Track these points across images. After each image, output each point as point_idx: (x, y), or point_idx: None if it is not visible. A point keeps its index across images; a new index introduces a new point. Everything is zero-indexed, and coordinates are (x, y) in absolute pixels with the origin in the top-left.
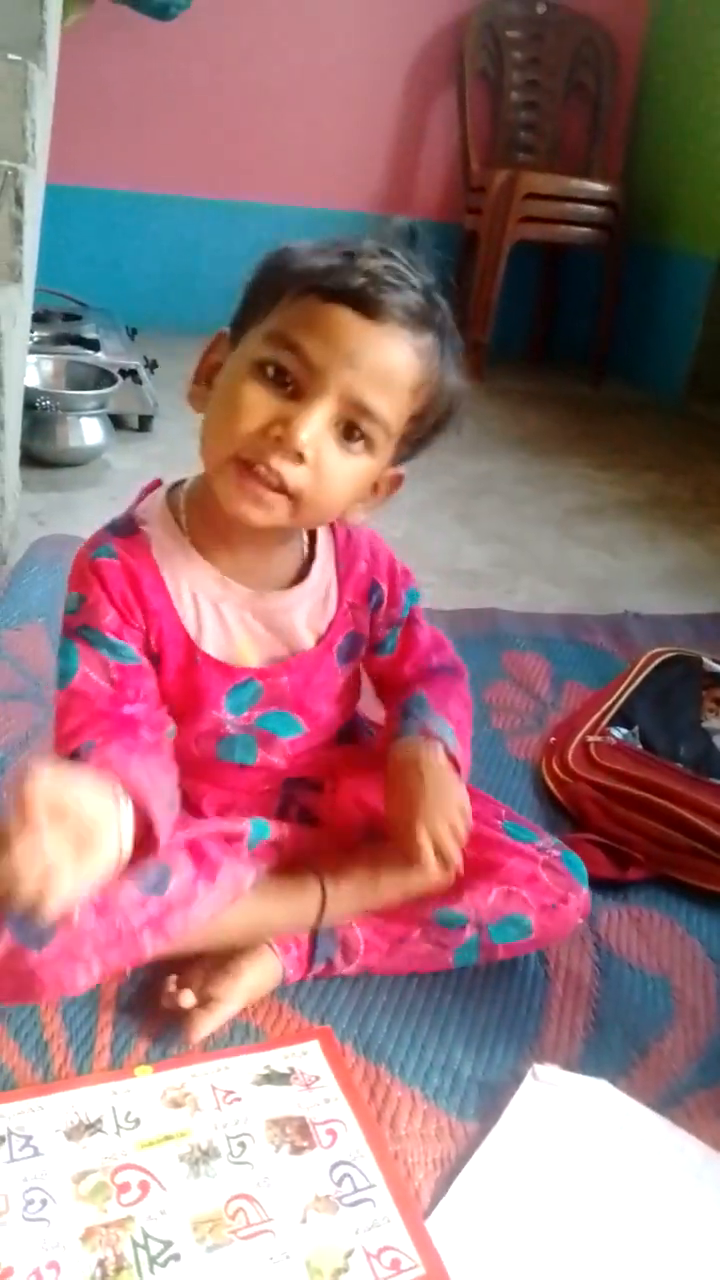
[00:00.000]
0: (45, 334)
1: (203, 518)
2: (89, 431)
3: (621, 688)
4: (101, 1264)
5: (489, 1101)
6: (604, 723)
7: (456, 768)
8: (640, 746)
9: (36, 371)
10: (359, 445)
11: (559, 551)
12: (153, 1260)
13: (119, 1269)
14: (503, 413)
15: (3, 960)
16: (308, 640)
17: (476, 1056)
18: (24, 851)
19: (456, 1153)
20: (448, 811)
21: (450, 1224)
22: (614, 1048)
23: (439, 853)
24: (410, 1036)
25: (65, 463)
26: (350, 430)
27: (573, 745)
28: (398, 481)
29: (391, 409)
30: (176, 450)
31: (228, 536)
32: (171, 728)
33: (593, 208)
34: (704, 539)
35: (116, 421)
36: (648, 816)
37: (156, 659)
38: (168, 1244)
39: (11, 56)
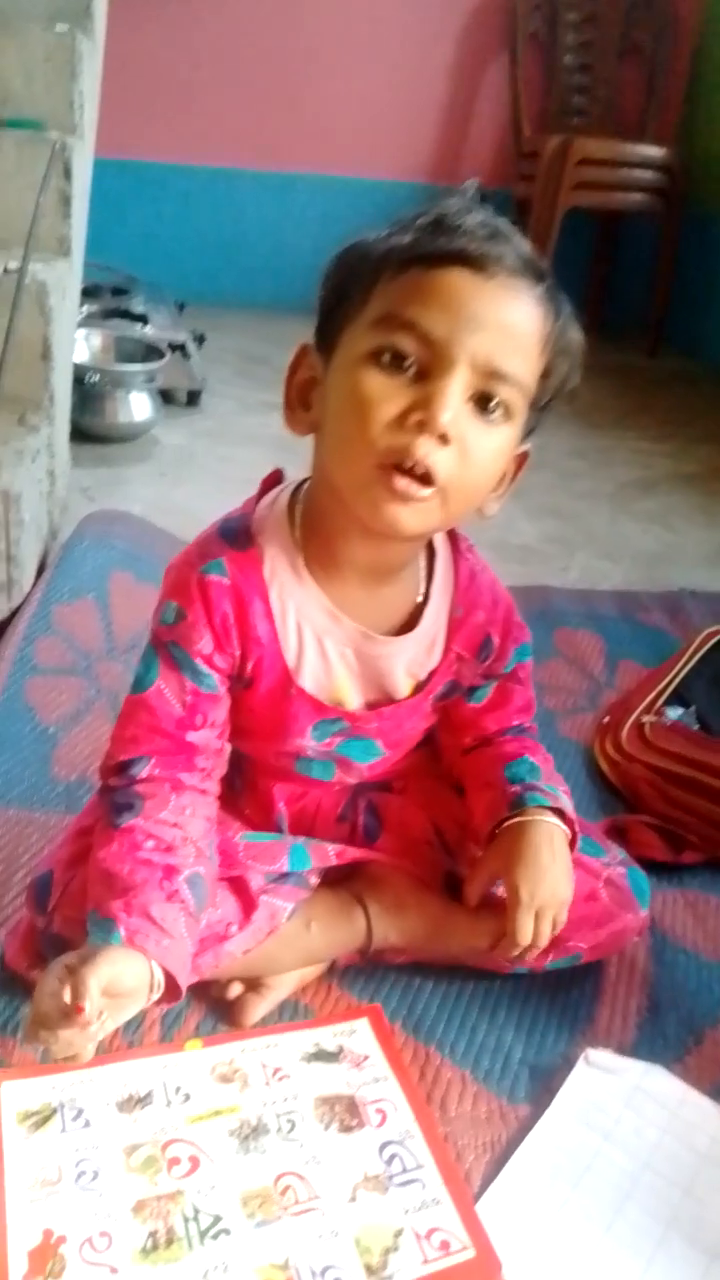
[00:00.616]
0: (93, 308)
1: (316, 540)
2: (138, 406)
3: (677, 667)
4: (153, 1235)
5: (540, 1085)
6: (659, 702)
7: (571, 847)
8: (696, 727)
9: (85, 346)
10: (497, 415)
11: (613, 526)
12: (203, 1233)
13: (170, 1241)
14: None
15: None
16: (404, 687)
17: (528, 1040)
18: (76, 1036)
19: (507, 1136)
20: (560, 905)
21: (500, 1208)
22: (668, 1034)
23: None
24: (460, 1018)
25: (114, 438)
26: (485, 401)
27: (627, 726)
28: (523, 461)
29: (525, 368)
30: (226, 426)
31: (341, 565)
32: (226, 753)
33: (648, 173)
34: None
35: (165, 397)
36: (703, 799)
37: (249, 683)
38: (217, 1218)
39: (59, 27)
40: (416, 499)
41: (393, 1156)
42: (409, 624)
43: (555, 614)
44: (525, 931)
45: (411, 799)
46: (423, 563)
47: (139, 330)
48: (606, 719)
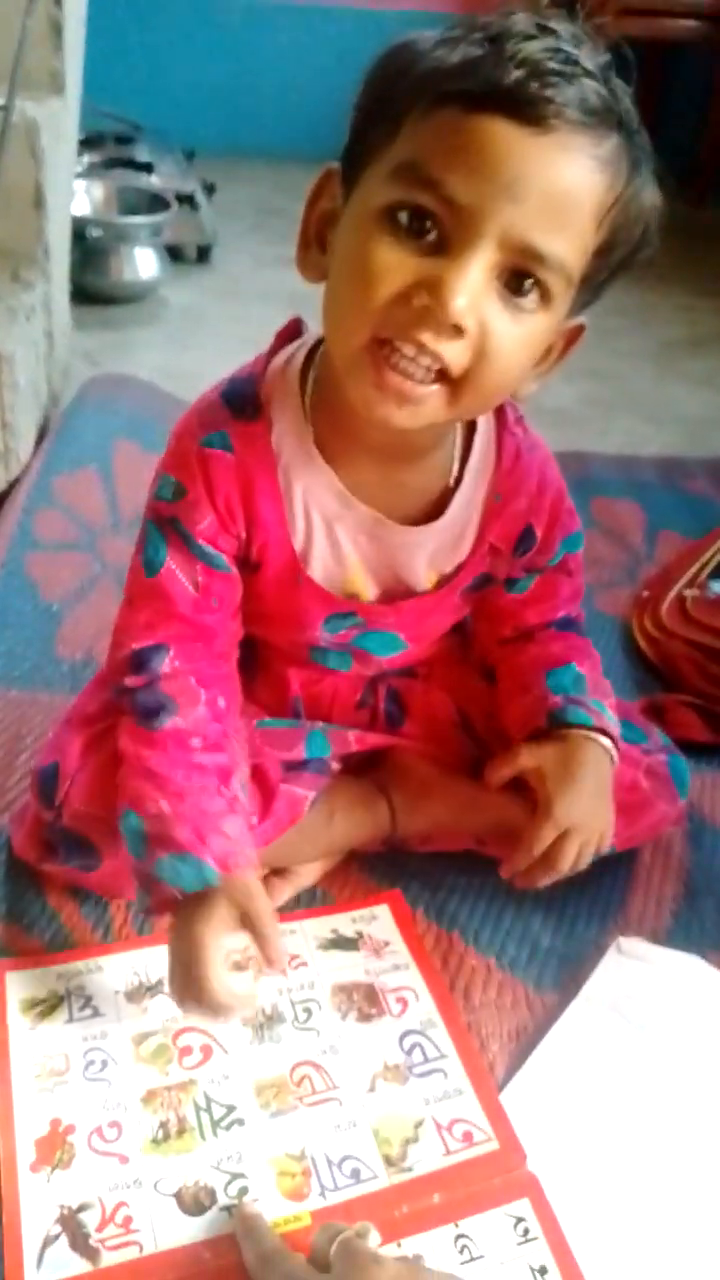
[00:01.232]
0: (94, 158)
1: (329, 413)
2: (143, 263)
3: None
4: (163, 1125)
5: (568, 973)
6: (702, 575)
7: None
8: None
9: (85, 198)
10: (531, 299)
11: (657, 388)
12: (215, 1123)
13: (181, 1131)
14: None
15: (61, 874)
16: (425, 580)
17: (556, 927)
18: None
19: (533, 1025)
20: (595, 835)
21: (525, 1098)
22: (705, 921)
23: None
24: (485, 904)
25: (118, 298)
26: (518, 281)
27: (667, 600)
28: (577, 336)
29: (571, 248)
30: (239, 283)
31: (354, 442)
32: (239, 636)
33: None
34: None
35: (173, 253)
36: None
37: (255, 567)
38: (230, 1108)
39: None
40: (412, 398)
41: (413, 1046)
42: (436, 511)
43: (593, 482)
44: (543, 845)
45: (436, 684)
46: (458, 439)
47: (144, 180)
48: (645, 593)
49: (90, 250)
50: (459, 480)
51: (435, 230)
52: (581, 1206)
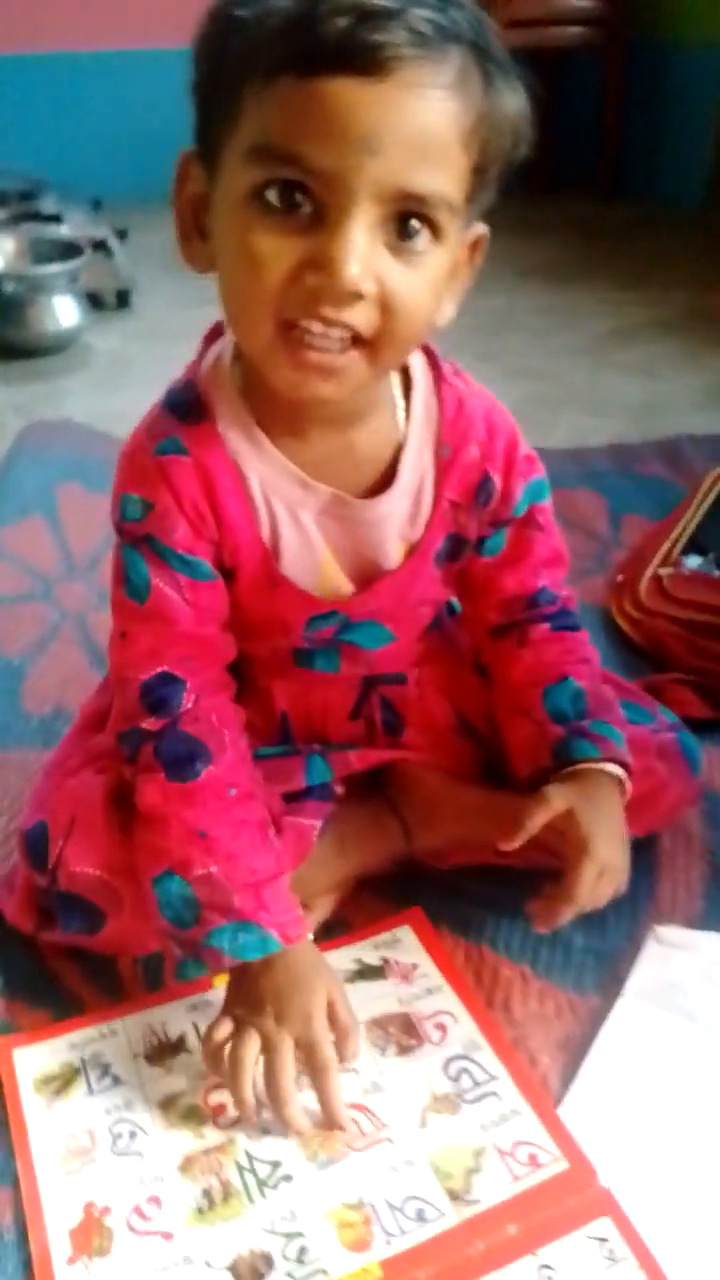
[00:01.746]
0: (1, 216)
1: (263, 398)
2: (63, 311)
3: (689, 514)
4: (207, 1193)
5: (608, 972)
6: (674, 553)
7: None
8: (717, 573)
9: None
10: (422, 239)
11: (595, 380)
12: (262, 1183)
13: (227, 1196)
14: (510, 244)
15: (63, 941)
16: (396, 554)
17: (586, 925)
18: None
19: (580, 1031)
20: (624, 868)
21: (584, 1110)
22: None
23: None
24: (510, 911)
25: (42, 349)
26: (404, 226)
27: (644, 580)
28: (480, 244)
29: (446, 180)
30: (161, 325)
31: (296, 422)
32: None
33: (585, 1)
34: None
35: (93, 301)
36: None
37: (230, 574)
38: (276, 1164)
39: None
40: (334, 370)
41: (461, 1072)
42: (390, 479)
43: (549, 477)
44: (588, 888)
45: (430, 686)
46: (398, 396)
47: (54, 230)
48: (620, 578)
49: (8, 304)
50: (406, 440)
51: (307, 201)
52: (663, 1217)
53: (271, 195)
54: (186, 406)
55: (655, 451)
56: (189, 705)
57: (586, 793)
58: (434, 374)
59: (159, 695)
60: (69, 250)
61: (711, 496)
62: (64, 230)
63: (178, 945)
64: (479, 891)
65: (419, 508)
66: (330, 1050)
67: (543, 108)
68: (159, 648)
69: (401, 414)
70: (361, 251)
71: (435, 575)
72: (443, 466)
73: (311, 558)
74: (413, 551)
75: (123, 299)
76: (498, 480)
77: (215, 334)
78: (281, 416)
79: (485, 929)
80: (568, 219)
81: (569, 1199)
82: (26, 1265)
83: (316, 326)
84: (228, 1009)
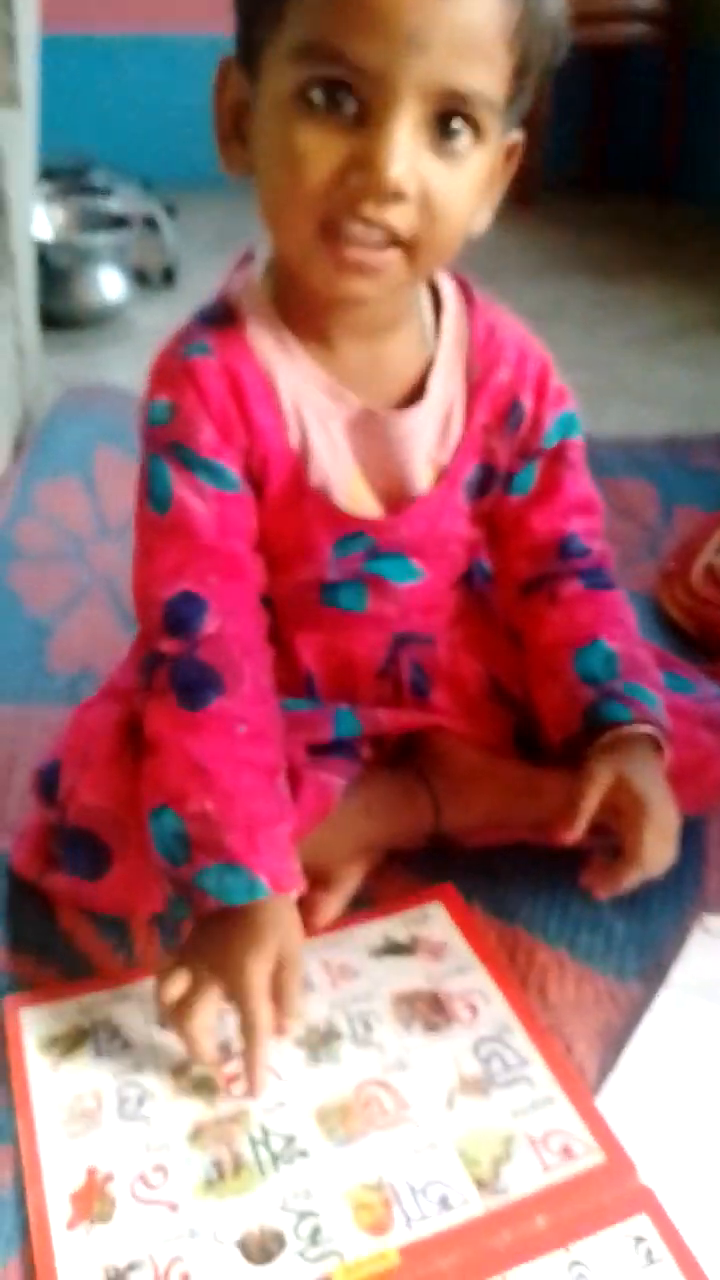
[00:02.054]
0: (51, 189)
1: (296, 309)
2: (108, 284)
3: None
4: (217, 1164)
5: (651, 960)
6: None
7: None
8: None
9: (47, 223)
10: (463, 140)
11: (647, 372)
12: (276, 1157)
13: (237, 1169)
14: (563, 239)
15: (65, 887)
16: (424, 477)
17: (630, 911)
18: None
19: (620, 1021)
20: (675, 821)
21: (623, 1103)
22: None
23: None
24: (547, 892)
25: (85, 320)
26: (446, 125)
27: (696, 569)
28: (514, 152)
29: (490, 78)
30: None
31: (326, 329)
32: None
33: (649, 1)
34: None
35: (138, 277)
36: None
37: (258, 488)
38: (291, 1139)
39: None
40: (373, 267)
41: (491, 1054)
42: (418, 395)
43: (597, 464)
44: (655, 855)
45: (460, 649)
46: (429, 319)
47: (104, 203)
48: (671, 566)
49: (54, 274)
50: (436, 359)
51: (352, 99)
52: (706, 1218)
53: (315, 95)
54: (216, 315)
55: (710, 444)
56: (211, 630)
57: (629, 756)
58: (465, 299)
59: (180, 615)
60: (118, 223)
61: None
62: (113, 204)
63: (170, 883)
64: (514, 870)
65: (448, 431)
66: (262, 1010)
67: (602, 105)
68: (182, 563)
69: (431, 333)
70: (405, 150)
71: (464, 508)
72: (473, 389)
73: (340, 471)
74: (442, 476)
75: (168, 276)
76: (528, 404)
77: (247, 258)
78: (312, 325)
79: (520, 909)
80: (621, 217)
81: (604, 1194)
82: (24, 1226)
83: (357, 226)
84: (181, 953)
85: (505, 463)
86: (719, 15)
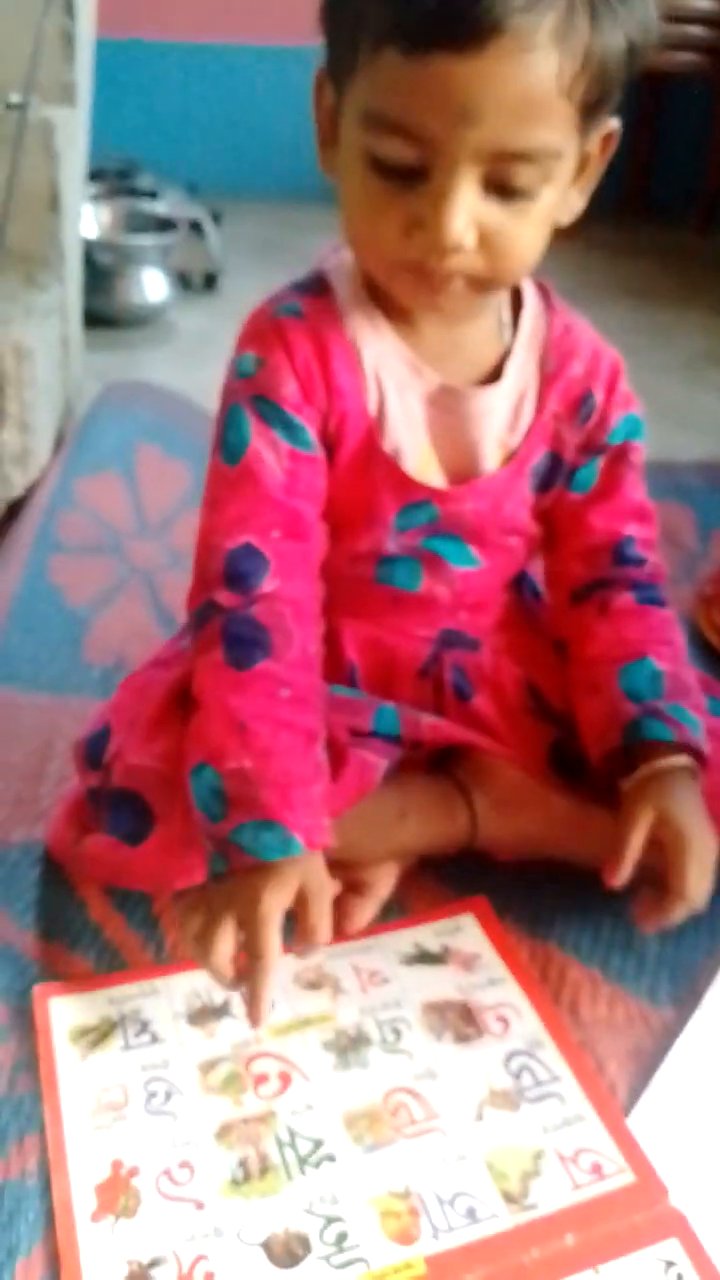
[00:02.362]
0: (98, 190)
1: (380, 289)
2: (151, 286)
3: None
4: (243, 1164)
5: (685, 985)
6: None
7: (705, 767)
8: None
9: (93, 222)
10: (524, 184)
11: (688, 398)
12: (302, 1160)
13: (264, 1170)
14: (604, 265)
15: (101, 853)
16: (493, 457)
17: (663, 935)
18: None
19: (653, 1043)
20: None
21: (654, 1124)
22: None
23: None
24: (580, 912)
25: (128, 321)
26: (510, 177)
27: None
28: (612, 139)
29: (549, 130)
30: (247, 310)
31: (410, 312)
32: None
33: (698, 28)
34: None
35: (182, 281)
36: None
37: (331, 450)
38: (318, 1142)
39: None
40: (448, 297)
41: (522, 1069)
42: (494, 378)
43: None
44: (700, 891)
45: (504, 657)
46: (507, 315)
47: (150, 204)
48: (709, 590)
49: (99, 273)
50: (512, 348)
51: (416, 157)
52: None
53: (381, 155)
54: (308, 284)
55: None
56: (268, 589)
57: (668, 791)
58: (543, 299)
59: (241, 569)
60: (163, 226)
61: None
62: (160, 207)
63: (209, 840)
64: (548, 887)
65: (520, 415)
66: (270, 936)
67: (646, 133)
68: (247, 514)
69: (509, 328)
70: (463, 209)
71: (528, 496)
72: (547, 379)
73: (413, 440)
74: (510, 458)
75: (210, 282)
76: (599, 398)
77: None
78: (396, 307)
79: (554, 926)
80: (663, 245)
81: (635, 1215)
82: (49, 1215)
83: (429, 268)
84: (202, 888)
85: (571, 455)
86: None
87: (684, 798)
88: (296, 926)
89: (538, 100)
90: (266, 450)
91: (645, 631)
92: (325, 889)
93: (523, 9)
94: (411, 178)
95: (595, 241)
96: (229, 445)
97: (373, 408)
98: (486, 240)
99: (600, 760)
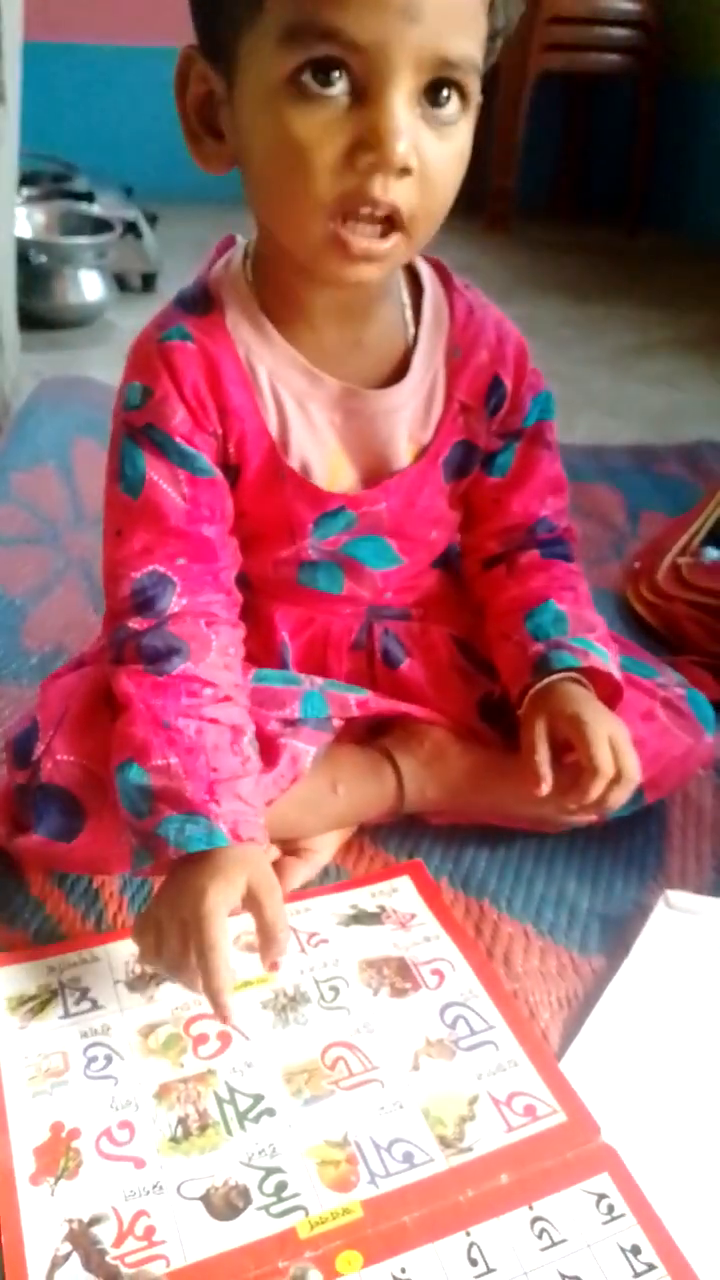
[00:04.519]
0: (32, 193)
1: (275, 292)
2: (88, 286)
3: (709, 509)
4: (182, 1121)
5: (614, 935)
6: (694, 544)
7: (620, 695)
8: None
9: (27, 224)
10: (451, 107)
11: (616, 387)
12: (242, 1116)
13: (203, 1127)
14: (536, 261)
15: (36, 847)
16: (406, 454)
17: (593, 889)
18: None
19: (583, 991)
20: (628, 739)
21: (586, 1067)
22: None
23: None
24: (514, 870)
25: (65, 321)
26: (435, 94)
27: (662, 568)
28: (476, 115)
29: (475, 43)
30: None
31: (308, 314)
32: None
33: (624, 30)
34: None
35: (119, 282)
36: None
37: (235, 472)
38: (258, 1098)
39: None
40: (380, 254)
41: (457, 1018)
42: (399, 375)
43: (569, 470)
44: (606, 755)
45: (432, 621)
46: (407, 300)
47: (86, 206)
48: (637, 564)
49: (35, 274)
50: (416, 340)
51: (345, 79)
52: (666, 1177)
53: (308, 78)
54: (194, 300)
55: (675, 454)
56: (177, 609)
57: (555, 695)
58: (444, 282)
59: (149, 595)
60: (99, 227)
61: None
62: (95, 209)
63: (135, 836)
64: (483, 849)
65: (430, 409)
66: (216, 931)
67: (576, 133)
68: (151, 545)
69: (410, 315)
70: (408, 123)
71: (443, 487)
72: (454, 368)
73: (320, 450)
74: (423, 453)
75: (148, 282)
76: (508, 384)
77: (226, 245)
78: (293, 309)
79: (488, 885)
80: (593, 242)
81: (567, 1152)
82: None
83: (365, 209)
84: (148, 906)
85: (485, 441)
86: (690, 47)
87: (573, 696)
88: (256, 928)
89: (469, 3)
90: (164, 480)
91: (549, 581)
92: (277, 889)
93: None
94: (341, 97)
95: (529, 239)
96: (126, 478)
97: (272, 424)
98: (422, 167)
99: (519, 702)
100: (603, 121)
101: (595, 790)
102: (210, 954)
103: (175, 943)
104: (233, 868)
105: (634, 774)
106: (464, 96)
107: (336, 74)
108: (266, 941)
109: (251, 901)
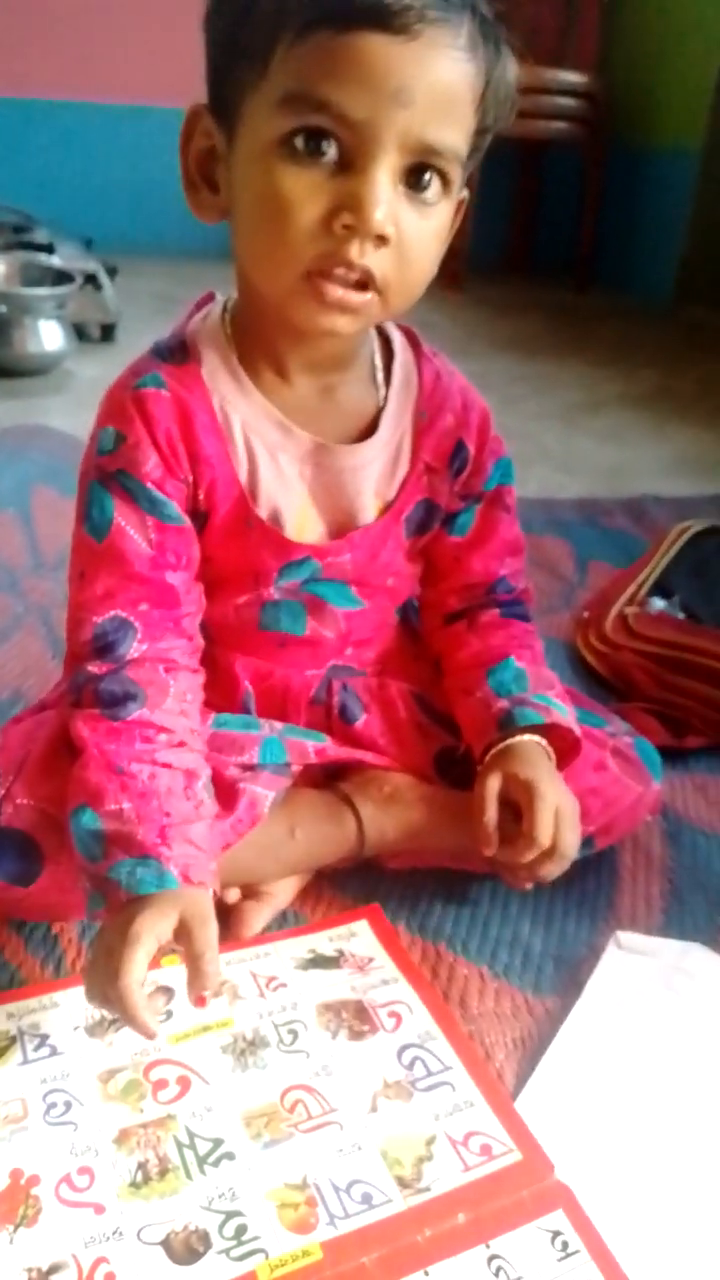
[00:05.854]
0: None
1: (254, 344)
2: (48, 336)
3: (654, 561)
4: (142, 1167)
5: (567, 976)
6: (640, 594)
7: (578, 750)
8: (682, 616)
9: None
10: (433, 190)
11: (566, 443)
12: (202, 1160)
13: (163, 1172)
14: (488, 319)
15: None
16: (371, 509)
17: (546, 931)
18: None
19: (538, 1032)
20: (575, 815)
21: (540, 1106)
22: (698, 914)
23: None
24: (469, 914)
25: (24, 370)
26: (417, 177)
27: (610, 618)
28: (462, 206)
29: (459, 135)
30: None
31: (284, 368)
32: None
33: (570, 100)
34: (714, 429)
35: (78, 332)
36: (701, 681)
37: (204, 518)
38: (217, 1142)
39: None
40: (353, 307)
41: (414, 1060)
42: (369, 433)
43: (519, 521)
44: (547, 827)
45: (390, 677)
46: (379, 363)
47: (46, 257)
48: (586, 614)
49: None
50: (386, 401)
51: (334, 147)
52: (620, 1214)
53: (299, 141)
54: (171, 350)
55: (621, 508)
56: (136, 654)
57: (513, 757)
58: (414, 349)
59: (109, 640)
60: (60, 278)
61: (676, 547)
62: (56, 260)
63: (88, 879)
64: (438, 892)
65: (396, 467)
66: (131, 958)
67: (526, 196)
68: (114, 590)
69: (381, 377)
70: (388, 195)
71: (405, 543)
72: (420, 430)
73: (289, 500)
74: (387, 509)
75: (107, 333)
76: (471, 449)
77: (206, 300)
78: (269, 363)
79: (444, 929)
80: (543, 302)
81: (522, 1190)
82: None
83: (340, 270)
84: (93, 952)
85: (447, 501)
86: (636, 115)
87: (530, 760)
88: (185, 960)
89: (458, 98)
90: (132, 526)
91: (507, 639)
92: (209, 922)
93: (446, 9)
94: (328, 163)
95: (481, 298)
96: (93, 522)
97: (243, 474)
98: (399, 239)
99: (483, 757)
100: (552, 185)
101: (526, 857)
102: (119, 980)
103: (99, 974)
104: (167, 902)
105: (569, 851)
106: (446, 183)
107: (327, 142)
108: (193, 974)
109: (183, 933)
